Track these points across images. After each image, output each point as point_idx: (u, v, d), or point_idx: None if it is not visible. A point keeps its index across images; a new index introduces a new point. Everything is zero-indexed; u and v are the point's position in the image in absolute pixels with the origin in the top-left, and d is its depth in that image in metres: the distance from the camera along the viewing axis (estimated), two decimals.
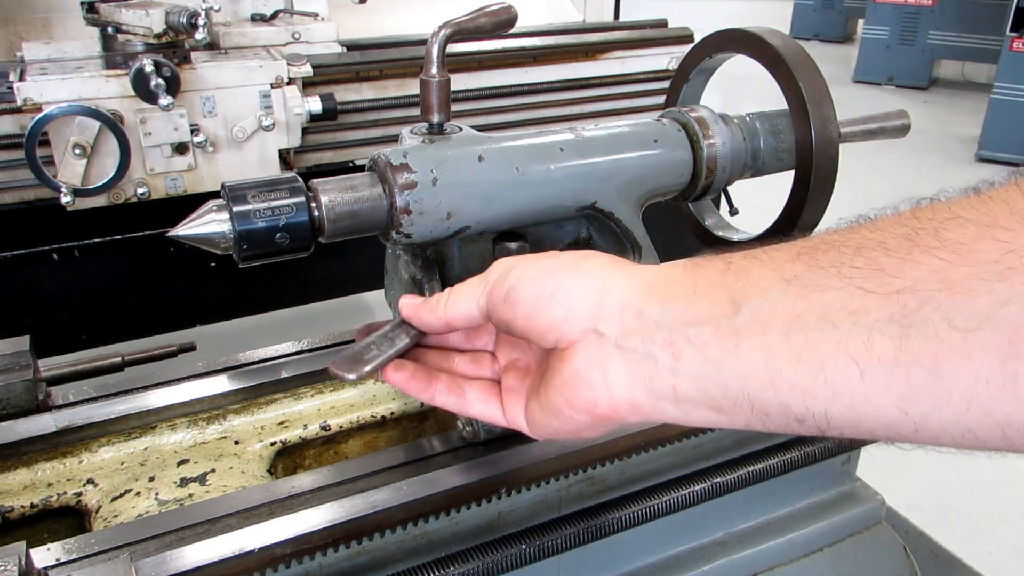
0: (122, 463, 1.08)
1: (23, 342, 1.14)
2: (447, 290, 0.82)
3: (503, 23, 1.04)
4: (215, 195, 0.93)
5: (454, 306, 0.80)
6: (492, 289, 0.76)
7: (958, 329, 0.50)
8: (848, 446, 1.24)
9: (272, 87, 2.27)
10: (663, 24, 3.16)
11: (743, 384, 0.61)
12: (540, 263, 0.75)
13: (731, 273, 0.64)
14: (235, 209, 0.89)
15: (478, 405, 0.82)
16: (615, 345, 0.67)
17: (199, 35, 2.11)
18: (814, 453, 1.20)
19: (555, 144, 1.04)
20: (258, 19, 2.67)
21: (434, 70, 1.00)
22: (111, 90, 2.10)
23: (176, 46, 2.19)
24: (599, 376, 0.68)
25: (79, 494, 1.04)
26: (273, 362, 1.23)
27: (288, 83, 2.30)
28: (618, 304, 0.68)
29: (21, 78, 2.04)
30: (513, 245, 1.06)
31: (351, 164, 2.62)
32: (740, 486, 1.14)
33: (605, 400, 0.68)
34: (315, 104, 2.33)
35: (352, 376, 0.78)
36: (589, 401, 0.69)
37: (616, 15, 4.12)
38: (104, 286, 2.41)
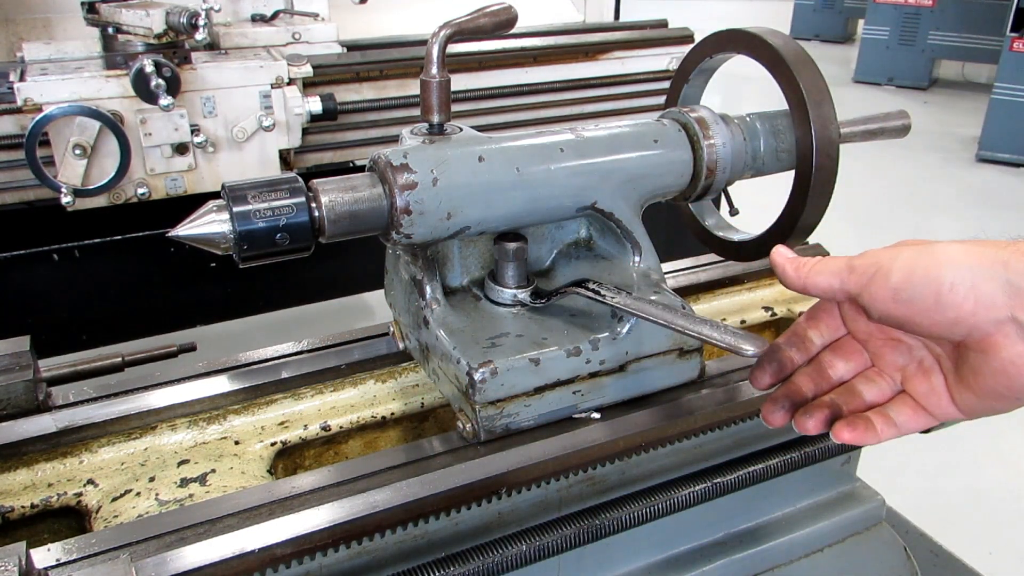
0: (122, 463, 1.08)
1: (23, 342, 1.14)
2: (817, 258, 0.86)
3: (503, 23, 1.04)
4: (215, 195, 0.93)
5: (817, 275, 0.84)
6: (869, 285, 0.78)
7: None
8: (849, 446, 1.24)
9: (272, 87, 2.27)
10: (663, 24, 3.17)
11: None
12: (916, 256, 0.75)
13: None
14: (235, 209, 0.89)
15: (894, 430, 0.85)
16: None
17: (199, 35, 2.12)
18: (814, 453, 1.20)
19: (555, 144, 1.04)
20: (258, 19, 2.67)
21: (434, 70, 1.00)
22: (111, 90, 2.10)
23: (176, 46, 2.19)
24: None
25: (79, 494, 1.04)
26: (273, 362, 1.23)
27: (288, 83, 2.30)
28: None
29: (21, 78, 2.05)
30: (513, 245, 1.06)
31: (351, 164, 2.63)
32: (740, 486, 1.14)
33: None
34: (315, 104, 2.33)
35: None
36: None
37: (616, 15, 4.12)
38: (104, 286, 2.41)
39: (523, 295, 1.08)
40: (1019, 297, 0.69)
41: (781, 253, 0.90)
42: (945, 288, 0.72)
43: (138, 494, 1.02)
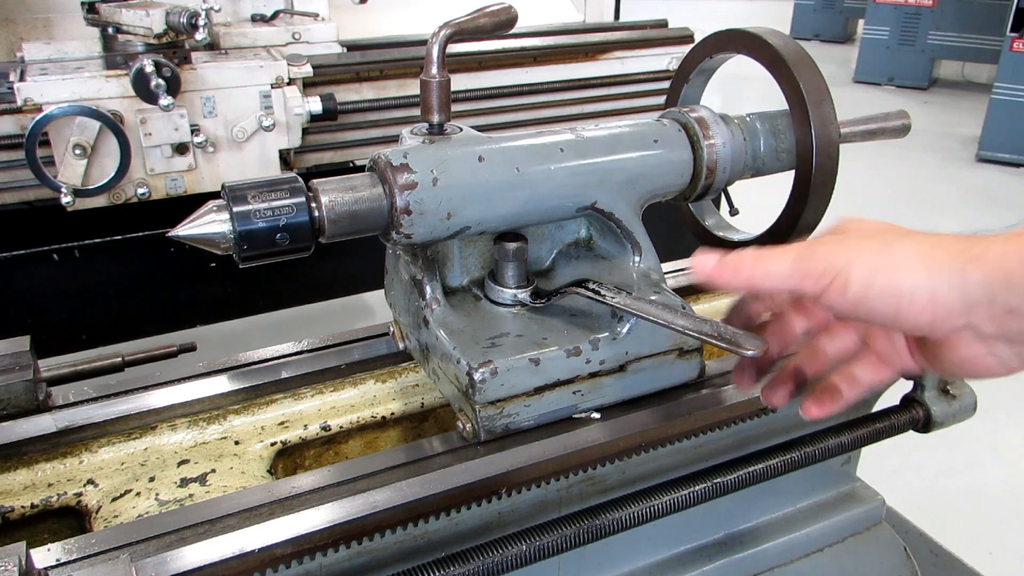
0: (122, 463, 1.08)
1: (23, 342, 1.14)
2: (750, 251, 0.81)
3: (503, 23, 1.04)
4: (215, 195, 0.93)
5: (763, 278, 0.80)
6: (826, 293, 0.76)
7: None
8: (849, 446, 1.24)
9: (272, 87, 2.27)
10: (663, 24, 3.17)
11: None
12: (873, 262, 0.74)
13: None
14: (235, 209, 0.89)
15: (858, 389, 0.88)
16: (997, 337, 0.71)
17: (199, 35, 2.12)
18: (814, 453, 1.20)
19: (555, 144, 1.04)
20: (258, 19, 2.67)
21: (434, 70, 1.00)
22: (111, 90, 2.10)
23: (176, 46, 2.19)
24: (994, 360, 0.73)
25: (79, 494, 1.04)
26: (273, 362, 1.23)
27: (288, 83, 2.30)
28: (987, 303, 0.70)
29: (21, 78, 2.05)
30: (513, 245, 1.06)
31: (351, 164, 2.63)
32: (740, 486, 1.13)
33: (1007, 370, 0.74)
34: (315, 104, 2.33)
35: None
36: (992, 373, 0.75)
37: (616, 15, 4.12)
38: (104, 286, 2.41)
39: (523, 295, 1.08)
40: (975, 307, 0.70)
41: (702, 261, 0.82)
42: (904, 302, 0.72)
43: (138, 494, 1.02)
